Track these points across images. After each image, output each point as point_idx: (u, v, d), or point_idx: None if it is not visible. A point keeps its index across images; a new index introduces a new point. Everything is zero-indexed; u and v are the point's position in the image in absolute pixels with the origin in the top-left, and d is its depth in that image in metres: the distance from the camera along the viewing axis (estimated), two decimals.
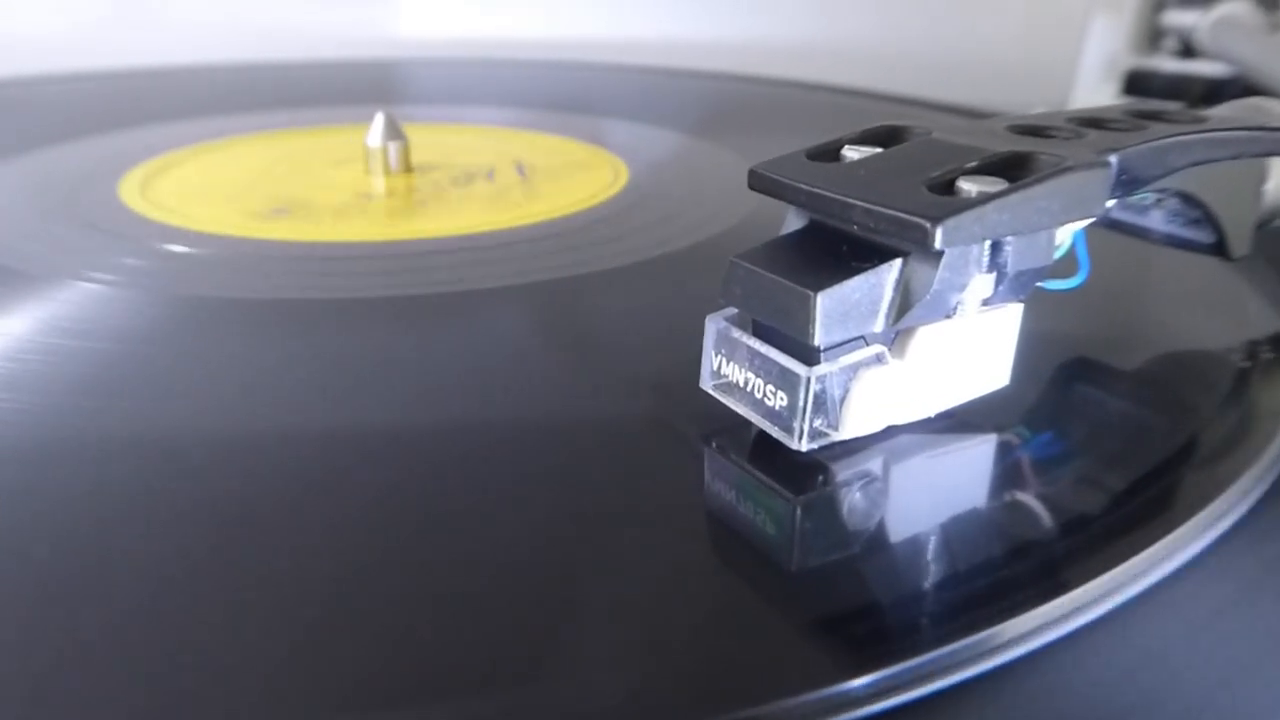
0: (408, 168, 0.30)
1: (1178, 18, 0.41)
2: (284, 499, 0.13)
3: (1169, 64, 0.41)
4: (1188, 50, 0.40)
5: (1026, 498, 0.14)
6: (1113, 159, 0.14)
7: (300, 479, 0.14)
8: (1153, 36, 0.42)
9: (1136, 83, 0.41)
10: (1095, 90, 0.43)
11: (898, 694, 0.10)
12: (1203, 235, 0.18)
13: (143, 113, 0.38)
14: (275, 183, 0.29)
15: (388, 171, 0.29)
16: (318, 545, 0.12)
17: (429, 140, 0.33)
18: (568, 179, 0.29)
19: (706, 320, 0.15)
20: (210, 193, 0.28)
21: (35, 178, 0.29)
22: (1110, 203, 0.14)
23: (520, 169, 0.30)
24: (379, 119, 0.29)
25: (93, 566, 0.12)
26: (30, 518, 0.13)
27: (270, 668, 0.10)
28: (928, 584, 0.12)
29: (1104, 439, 0.15)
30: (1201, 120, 0.16)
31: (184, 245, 0.23)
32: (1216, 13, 0.38)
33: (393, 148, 0.29)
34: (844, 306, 0.13)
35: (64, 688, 0.10)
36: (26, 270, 0.21)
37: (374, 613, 0.11)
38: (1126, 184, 0.14)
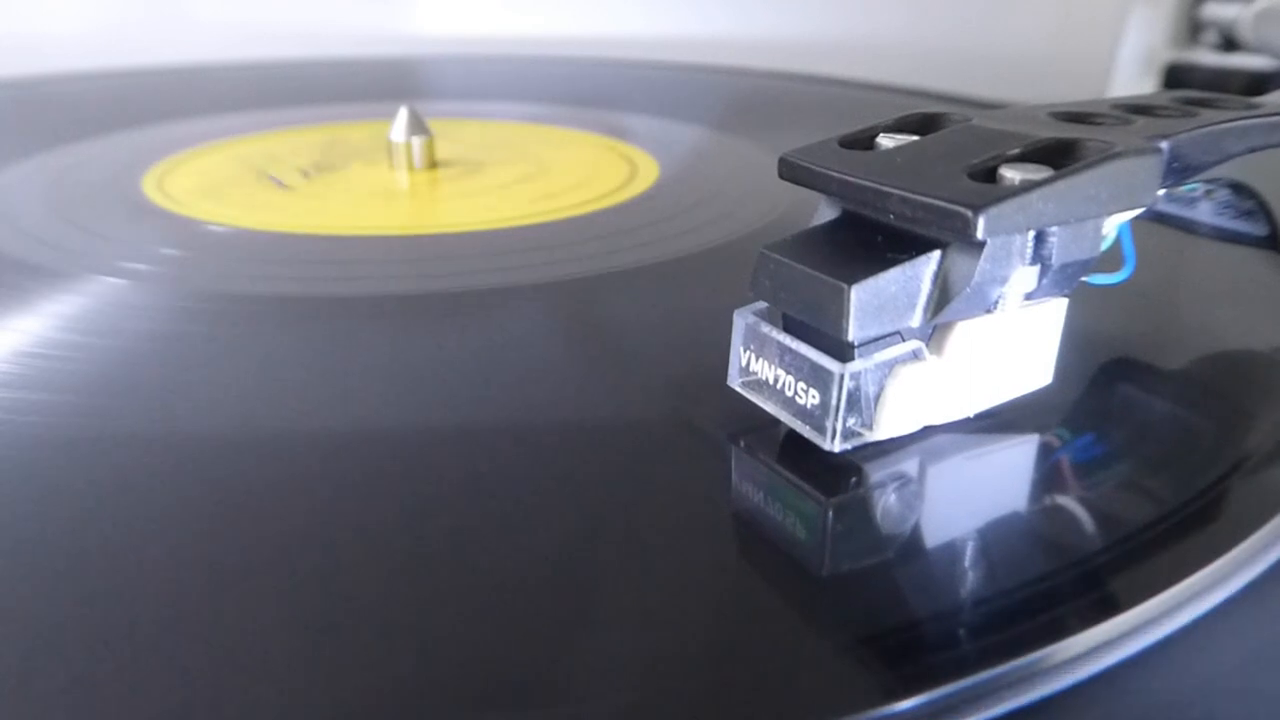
0: (432, 163, 0.29)
1: (1218, 10, 0.40)
2: (279, 497, 0.13)
3: (1209, 57, 0.40)
4: (1229, 43, 0.39)
5: (1070, 503, 0.13)
6: (1164, 145, 0.13)
7: (302, 478, 0.13)
8: (1192, 29, 0.41)
9: (1175, 77, 0.40)
10: (1133, 85, 0.42)
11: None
12: (1254, 227, 0.17)
13: (167, 110, 0.39)
14: (299, 176, 0.28)
15: (411, 166, 0.29)
16: (321, 549, 0.12)
17: (453, 135, 0.33)
18: (595, 174, 0.29)
19: (735, 315, 0.14)
20: (231, 187, 0.27)
21: (62, 173, 0.29)
22: (1160, 192, 0.13)
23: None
24: (402, 114, 0.29)
25: (114, 564, 0.11)
26: (46, 514, 0.12)
27: (271, 676, 0.10)
28: (967, 595, 0.11)
29: (1152, 443, 0.15)
30: (1255, 107, 0.15)
31: (204, 239, 0.23)
32: (1260, 4, 0.37)
33: (416, 142, 0.29)
34: (879, 300, 0.12)
35: (69, 690, 0.10)
36: (48, 265, 0.21)
37: (388, 620, 0.11)
38: (1178, 172, 0.14)
